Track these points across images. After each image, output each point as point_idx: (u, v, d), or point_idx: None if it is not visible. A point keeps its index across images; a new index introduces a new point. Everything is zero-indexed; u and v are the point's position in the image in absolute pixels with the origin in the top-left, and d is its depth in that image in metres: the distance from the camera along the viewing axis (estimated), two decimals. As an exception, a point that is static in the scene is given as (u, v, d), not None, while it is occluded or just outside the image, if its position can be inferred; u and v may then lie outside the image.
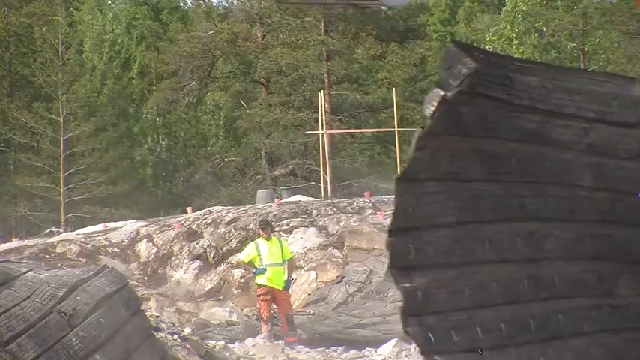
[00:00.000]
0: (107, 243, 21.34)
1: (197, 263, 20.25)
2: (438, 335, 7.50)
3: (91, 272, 7.82)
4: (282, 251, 15.31)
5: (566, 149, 8.36)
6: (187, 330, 13.34)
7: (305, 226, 20.47)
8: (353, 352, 14.24)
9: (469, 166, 7.77)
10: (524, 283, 7.90)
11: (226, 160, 46.26)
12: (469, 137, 7.78)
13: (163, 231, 21.63)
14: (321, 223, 20.63)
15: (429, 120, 7.52)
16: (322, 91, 35.07)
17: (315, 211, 21.21)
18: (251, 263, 15.54)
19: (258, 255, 15.27)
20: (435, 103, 7.33)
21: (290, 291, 15.63)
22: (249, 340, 15.18)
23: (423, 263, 7.44)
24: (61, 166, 41.79)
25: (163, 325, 12.16)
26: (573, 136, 8.39)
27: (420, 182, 7.37)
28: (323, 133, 32.77)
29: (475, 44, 46.99)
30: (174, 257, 20.64)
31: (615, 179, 8.61)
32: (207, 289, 19.52)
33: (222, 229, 20.78)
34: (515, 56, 41.46)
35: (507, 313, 7.95)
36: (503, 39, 42.86)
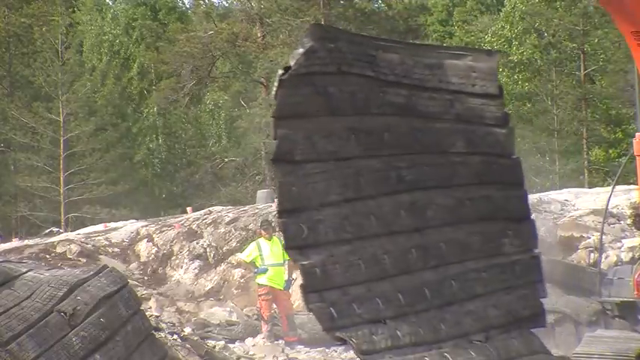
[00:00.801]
0: (107, 243, 21.33)
1: (197, 263, 20.24)
2: (339, 310, 7.59)
3: (91, 272, 7.82)
4: (283, 251, 15.32)
5: (436, 120, 8.46)
6: (187, 330, 13.34)
7: (305, 226, 20.45)
8: (353, 352, 14.22)
9: (346, 144, 7.87)
10: (414, 253, 8.00)
11: (226, 160, 46.25)
12: (341, 116, 7.87)
13: (163, 231, 21.63)
14: (321, 223, 20.60)
15: (273, 100, 7.59)
16: (322, 91, 35.04)
17: (315, 211, 21.19)
18: (252, 263, 15.55)
19: (260, 255, 15.29)
20: (277, 84, 7.40)
21: (290, 291, 15.64)
22: (249, 340, 15.19)
23: (317, 241, 7.55)
24: (61, 166, 41.78)
25: (163, 325, 12.16)
26: (440, 108, 8.51)
27: (299, 164, 7.48)
28: (323, 133, 32.76)
29: (472, 46, 47.02)
30: (174, 257, 20.63)
31: (486, 144, 8.72)
32: (207, 289, 19.51)
33: (222, 229, 20.77)
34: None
35: (403, 284, 8.02)
36: (502, 39, 42.89)
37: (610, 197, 11.86)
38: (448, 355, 7.63)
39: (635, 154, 11.25)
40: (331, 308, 7.27)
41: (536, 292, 8.91)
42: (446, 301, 8.13)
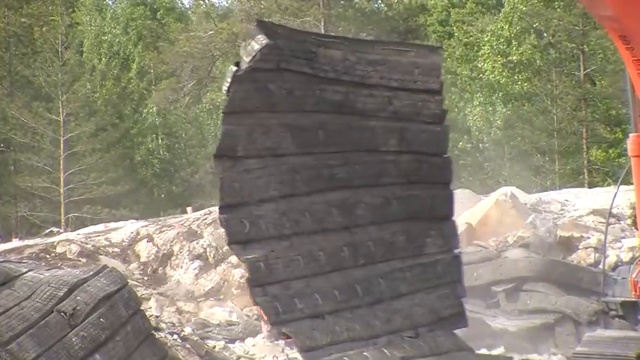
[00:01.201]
0: (107, 243, 21.33)
1: (197, 263, 20.24)
2: (282, 304, 7.66)
3: (91, 272, 7.83)
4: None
5: (372, 117, 8.51)
6: (187, 330, 13.34)
7: (305, 226, 20.44)
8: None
9: (282, 140, 7.94)
10: (345, 251, 8.09)
11: (226, 160, 46.17)
12: (279, 112, 7.94)
13: (163, 231, 21.62)
14: (321, 223, 20.59)
15: (226, 96, 7.65)
16: (322, 91, 35.05)
17: (315, 211, 21.17)
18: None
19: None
20: (229, 80, 7.45)
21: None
22: (249, 340, 15.18)
23: (258, 236, 7.62)
24: (61, 166, 41.76)
25: (163, 325, 12.17)
26: (378, 105, 8.56)
27: (240, 159, 7.55)
28: (323, 133, 32.76)
29: (471, 46, 46.97)
30: (174, 257, 20.63)
31: (420, 142, 8.78)
32: (207, 289, 19.50)
33: (222, 229, 20.74)
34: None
35: (337, 280, 8.12)
36: (501, 39, 42.86)
37: (614, 198, 11.88)
38: (385, 350, 7.71)
39: (629, 154, 11.27)
40: (276, 302, 7.34)
41: (457, 292, 8.96)
42: (376, 299, 8.21)
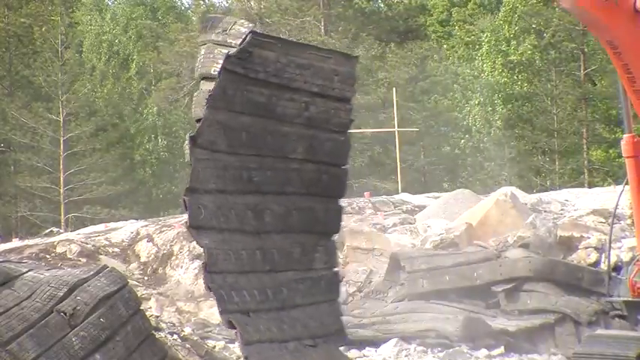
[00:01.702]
0: (107, 243, 21.32)
1: (197, 263, 20.22)
2: (226, 294, 7.73)
3: (91, 272, 7.82)
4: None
5: (287, 122, 8.56)
6: (187, 330, 13.34)
7: (305, 226, 20.44)
8: (353, 352, 14.23)
9: (217, 136, 8.06)
10: (258, 255, 8.15)
11: (226, 160, 46.21)
12: (216, 110, 8.08)
13: (163, 231, 21.61)
14: (321, 223, 20.59)
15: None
16: (322, 91, 35.02)
17: (315, 211, 21.17)
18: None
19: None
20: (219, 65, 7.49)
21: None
22: (249, 340, 15.17)
23: (206, 225, 7.70)
24: (61, 166, 41.77)
25: (163, 325, 12.17)
26: (296, 110, 8.60)
27: (195, 147, 7.69)
28: (323, 133, 32.72)
29: (472, 45, 46.96)
30: (174, 257, 20.62)
31: (325, 151, 8.82)
32: (207, 289, 19.49)
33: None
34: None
35: (255, 281, 8.19)
36: (501, 39, 42.88)
37: (620, 198, 11.87)
38: (295, 356, 7.82)
39: (623, 155, 11.28)
40: (222, 291, 7.40)
41: (336, 310, 9.01)
42: (281, 306, 8.28)
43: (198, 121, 7.55)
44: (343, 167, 8.86)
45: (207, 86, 7.71)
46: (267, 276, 8.30)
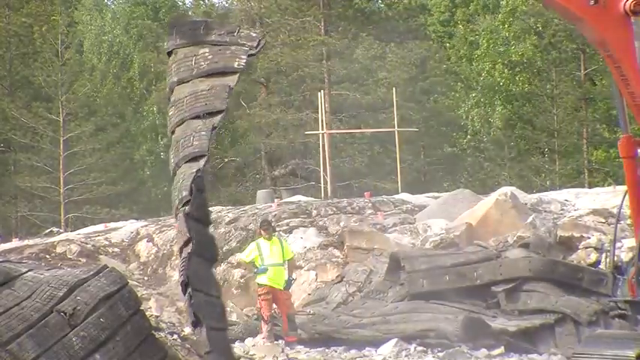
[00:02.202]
0: (107, 243, 21.34)
1: (197, 263, 20.21)
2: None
3: (91, 272, 7.81)
4: (283, 251, 15.34)
5: None
6: (187, 330, 13.33)
7: (305, 226, 20.45)
8: (353, 352, 14.24)
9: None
10: None
11: (226, 160, 46.24)
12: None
13: (163, 231, 21.64)
14: (321, 223, 20.61)
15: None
16: (322, 91, 35.07)
17: (315, 211, 21.19)
18: (252, 263, 15.56)
19: (260, 255, 15.28)
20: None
21: (290, 291, 15.64)
22: (249, 340, 15.18)
23: None
24: (61, 166, 41.76)
25: (163, 325, 12.16)
26: None
27: None
28: (323, 133, 32.78)
29: (475, 45, 46.96)
30: (174, 257, 20.63)
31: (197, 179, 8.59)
32: (207, 289, 19.48)
33: (222, 229, 20.76)
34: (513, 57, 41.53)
35: None
36: (499, 39, 42.91)
37: (624, 197, 11.86)
38: None
39: (621, 155, 11.28)
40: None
41: None
42: None
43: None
44: None
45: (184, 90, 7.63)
46: None
